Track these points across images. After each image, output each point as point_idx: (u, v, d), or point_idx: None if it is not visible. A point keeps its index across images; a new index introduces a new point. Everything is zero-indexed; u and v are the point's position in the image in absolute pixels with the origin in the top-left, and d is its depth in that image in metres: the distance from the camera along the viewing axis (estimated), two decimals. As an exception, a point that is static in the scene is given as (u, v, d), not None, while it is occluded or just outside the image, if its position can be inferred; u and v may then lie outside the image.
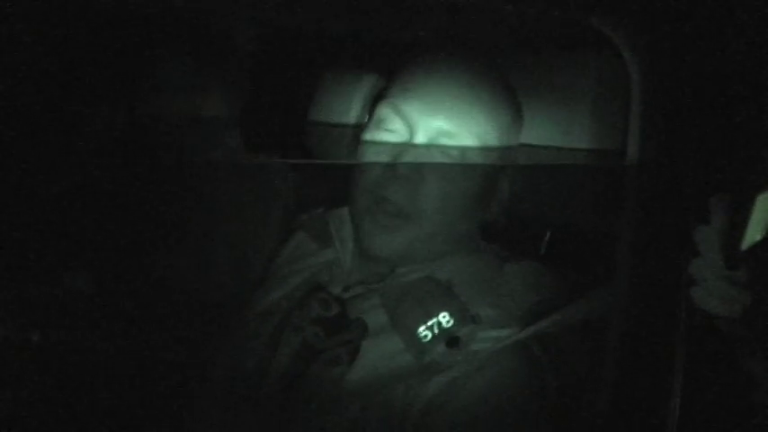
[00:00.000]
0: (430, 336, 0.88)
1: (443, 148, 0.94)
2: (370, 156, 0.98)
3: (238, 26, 1.50)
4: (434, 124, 0.94)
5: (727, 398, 0.70)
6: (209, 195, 1.38)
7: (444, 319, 0.89)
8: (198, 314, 1.23)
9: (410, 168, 0.93)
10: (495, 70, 1.01)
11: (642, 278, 0.74)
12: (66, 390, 1.16)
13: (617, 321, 0.76)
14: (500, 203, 1.02)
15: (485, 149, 0.95)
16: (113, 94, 1.34)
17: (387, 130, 0.97)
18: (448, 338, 0.88)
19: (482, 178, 0.97)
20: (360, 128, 1.06)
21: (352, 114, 1.23)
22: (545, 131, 1.01)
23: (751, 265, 0.62)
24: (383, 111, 0.98)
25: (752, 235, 0.60)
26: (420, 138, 0.94)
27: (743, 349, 0.67)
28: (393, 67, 1.02)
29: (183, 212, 1.37)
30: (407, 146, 0.95)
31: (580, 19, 0.75)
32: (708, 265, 0.65)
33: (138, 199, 1.35)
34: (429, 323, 0.89)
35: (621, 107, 0.75)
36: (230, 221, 1.35)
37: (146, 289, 1.31)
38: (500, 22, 0.97)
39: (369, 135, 1.00)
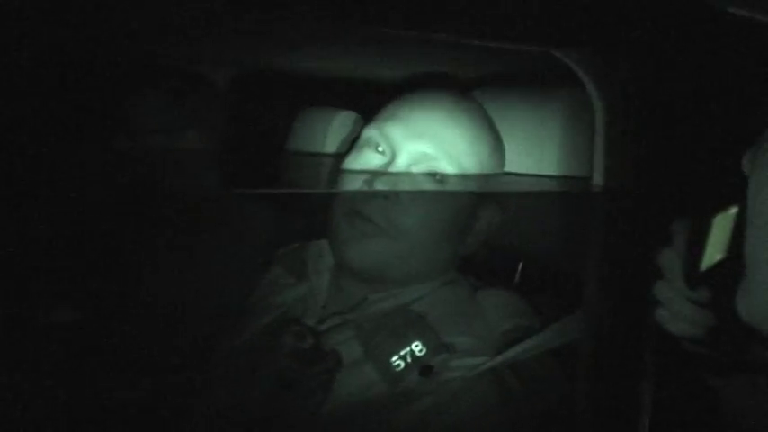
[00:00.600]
0: (403, 365, 0.89)
1: (423, 171, 0.96)
2: (350, 174, 0.99)
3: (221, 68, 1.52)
4: (417, 147, 0.96)
5: (695, 416, 0.71)
6: (186, 231, 1.38)
7: (417, 348, 0.90)
8: (173, 348, 1.23)
9: (387, 187, 0.94)
10: (476, 103, 1.04)
11: (610, 301, 0.76)
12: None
13: (586, 345, 0.77)
14: (477, 240, 1.03)
15: (464, 176, 0.97)
16: (93, 132, 1.35)
17: (370, 151, 0.99)
18: (421, 367, 0.88)
19: (460, 205, 0.99)
20: (339, 158, 1.08)
21: (331, 146, 1.25)
22: (514, 159, 1.03)
23: (711, 285, 0.64)
24: (369, 133, 1.00)
25: (711, 255, 0.62)
26: (402, 160, 0.96)
27: (708, 369, 0.68)
28: (382, 99, 1.04)
29: (159, 249, 1.37)
30: (388, 164, 0.97)
31: (544, 51, 0.77)
32: (671, 287, 0.66)
33: (117, 235, 1.35)
34: (402, 352, 0.90)
35: (586, 135, 0.77)
36: (206, 257, 1.35)
37: (122, 323, 1.30)
38: (471, 57, 1.00)
39: (352, 155, 1.02)
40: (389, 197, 0.94)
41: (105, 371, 1.22)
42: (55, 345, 1.24)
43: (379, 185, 0.94)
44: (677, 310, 0.66)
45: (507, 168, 1.04)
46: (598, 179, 0.74)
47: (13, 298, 1.23)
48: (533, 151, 0.98)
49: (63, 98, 1.38)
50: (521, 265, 1.12)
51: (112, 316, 1.29)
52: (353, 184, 0.98)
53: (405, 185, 0.95)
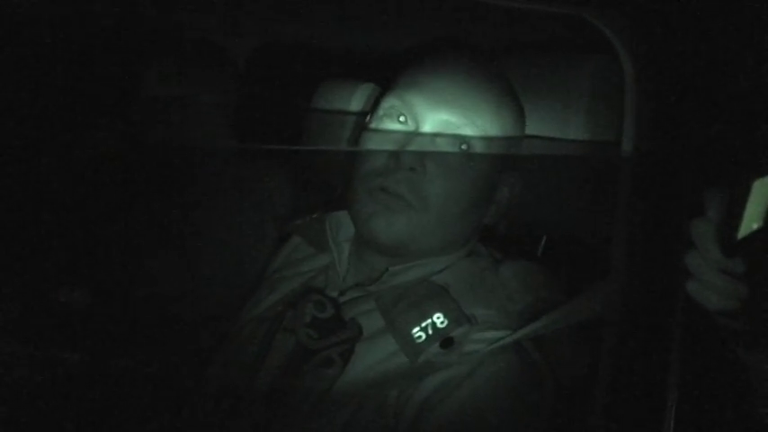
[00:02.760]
0: (424, 336, 0.87)
1: (447, 139, 0.93)
2: (373, 145, 0.97)
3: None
4: (440, 116, 0.93)
5: (726, 393, 0.69)
6: (205, 203, 1.38)
7: (438, 319, 0.88)
8: (192, 320, 1.23)
9: (413, 160, 0.91)
10: (497, 68, 1.01)
11: (638, 272, 0.73)
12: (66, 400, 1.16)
13: (613, 316, 0.75)
14: (499, 209, 1.01)
15: (488, 143, 0.94)
16: (110, 100, 1.34)
17: (392, 120, 0.96)
18: (442, 339, 0.86)
19: (485, 174, 0.96)
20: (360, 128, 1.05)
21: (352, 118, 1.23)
22: (542, 123, 1.00)
23: (748, 255, 0.61)
24: (390, 102, 0.97)
25: (748, 223, 0.59)
26: (427, 130, 0.93)
27: (741, 343, 0.66)
28: (401, 62, 1.01)
29: (177, 221, 1.37)
30: (413, 135, 0.94)
31: (574, 14, 0.75)
32: (704, 257, 0.63)
33: (133, 208, 1.35)
34: (423, 324, 0.88)
35: (616, 99, 0.75)
36: (225, 228, 1.35)
37: (139, 297, 1.30)
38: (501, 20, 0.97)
39: (373, 124, 0.99)
40: (416, 169, 0.92)
41: (122, 342, 1.22)
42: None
43: (405, 157, 0.91)
44: (710, 282, 0.63)
45: (535, 131, 1.01)
46: (627, 144, 0.72)
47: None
48: (561, 117, 0.96)
49: (82, 68, 1.38)
50: (544, 238, 1.09)
51: (125, 293, 1.29)
52: (378, 157, 0.95)
53: (431, 157, 0.92)
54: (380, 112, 0.98)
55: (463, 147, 0.93)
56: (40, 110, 1.31)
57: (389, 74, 1.03)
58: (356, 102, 1.29)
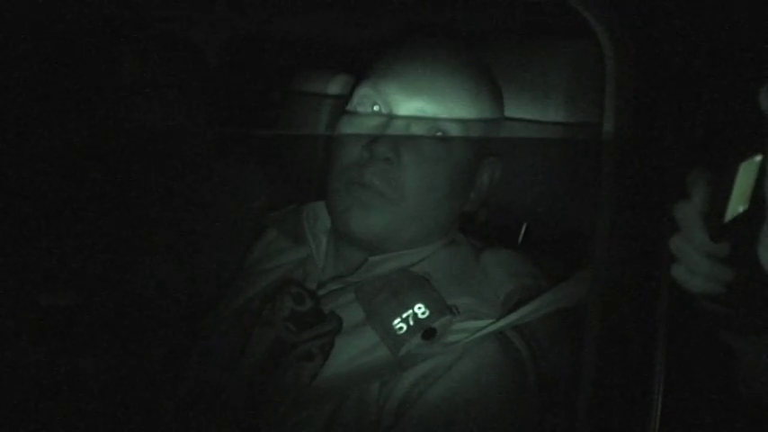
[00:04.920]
0: (405, 328, 0.86)
1: (422, 127, 0.91)
2: (347, 136, 0.95)
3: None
4: (415, 104, 0.91)
5: (710, 377, 0.69)
6: (179, 197, 1.36)
7: (420, 310, 0.86)
8: (169, 316, 1.21)
9: (387, 150, 0.89)
10: (473, 53, 1.00)
11: (621, 258, 0.72)
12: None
13: (596, 302, 0.74)
14: (479, 196, 0.99)
15: (465, 129, 0.93)
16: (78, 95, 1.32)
17: (366, 109, 0.94)
18: (423, 330, 0.85)
19: (463, 162, 0.95)
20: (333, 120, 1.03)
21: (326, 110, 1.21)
22: (522, 107, 0.99)
23: (734, 239, 0.60)
24: (363, 91, 0.95)
25: (734, 206, 0.58)
26: (401, 119, 0.92)
27: (725, 327, 0.65)
28: (375, 50, 0.99)
29: (153, 215, 1.35)
30: (386, 124, 0.92)
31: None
32: (689, 241, 0.62)
33: (109, 203, 1.33)
34: (404, 315, 0.86)
35: (597, 82, 0.73)
36: (200, 222, 1.33)
37: (114, 294, 1.28)
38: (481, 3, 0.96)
39: (346, 117, 0.96)
40: (390, 159, 0.90)
41: (96, 339, 1.20)
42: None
43: (379, 148, 0.89)
44: (695, 266, 0.62)
45: (515, 114, 1.00)
46: (609, 127, 0.71)
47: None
48: (541, 101, 0.95)
49: (49, 63, 1.35)
50: (525, 225, 1.08)
51: (101, 290, 1.27)
52: (351, 149, 0.93)
53: (405, 147, 0.90)
54: (354, 101, 0.96)
55: (438, 134, 0.92)
56: (10, 107, 1.28)
57: (364, 63, 1.01)
58: (332, 92, 1.27)
